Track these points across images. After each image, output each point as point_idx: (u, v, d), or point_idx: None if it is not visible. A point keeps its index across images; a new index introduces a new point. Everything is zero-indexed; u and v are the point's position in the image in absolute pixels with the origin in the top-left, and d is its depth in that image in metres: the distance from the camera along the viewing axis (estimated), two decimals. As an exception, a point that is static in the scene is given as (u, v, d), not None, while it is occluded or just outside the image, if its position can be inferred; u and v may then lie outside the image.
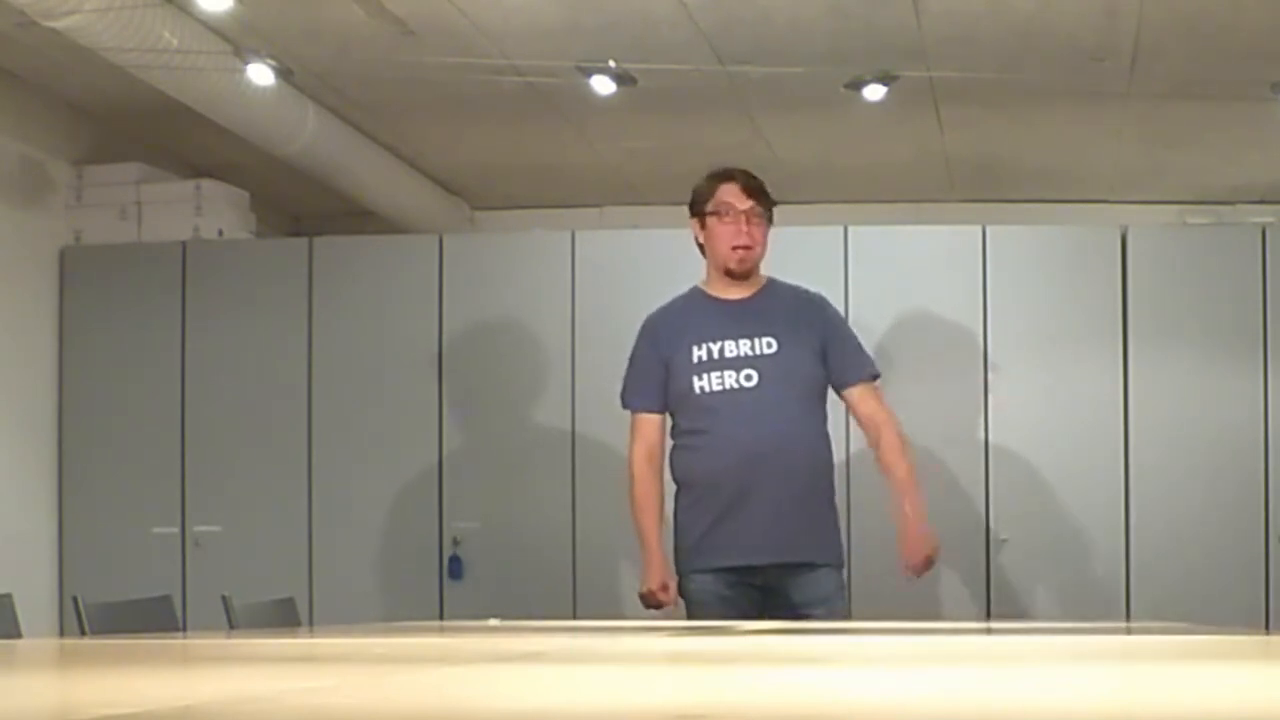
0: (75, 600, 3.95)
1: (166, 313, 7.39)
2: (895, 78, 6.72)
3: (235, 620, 4.40)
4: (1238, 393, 6.94)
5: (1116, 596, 6.93)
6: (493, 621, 4.90)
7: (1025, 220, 7.97)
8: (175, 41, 5.99)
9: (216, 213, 7.59)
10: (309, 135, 7.16)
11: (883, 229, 7.48)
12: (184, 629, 4.96)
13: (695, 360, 5.10)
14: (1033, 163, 8.16)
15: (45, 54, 6.47)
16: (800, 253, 7.33)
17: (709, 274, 5.30)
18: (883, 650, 3.26)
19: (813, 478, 5.17)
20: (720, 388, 5.04)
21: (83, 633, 3.88)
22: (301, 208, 8.79)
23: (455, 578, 7.25)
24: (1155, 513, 6.99)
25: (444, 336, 7.35)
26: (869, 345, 7.20)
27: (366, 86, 7.05)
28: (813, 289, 5.41)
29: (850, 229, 7.32)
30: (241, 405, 7.36)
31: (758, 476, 5.05)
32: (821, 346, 5.20)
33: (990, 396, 7.12)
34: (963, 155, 8.01)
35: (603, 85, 6.72)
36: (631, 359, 5.34)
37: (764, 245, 5.14)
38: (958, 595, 6.95)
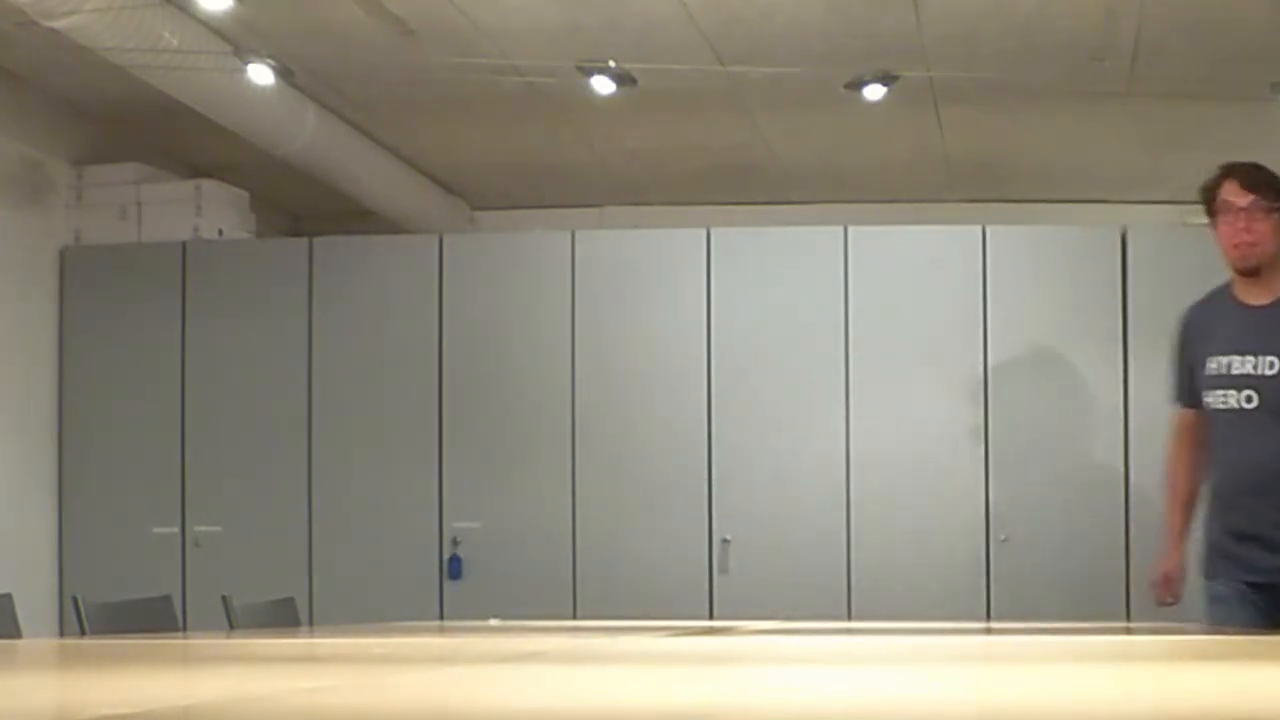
0: (75, 600, 3.95)
1: (166, 313, 7.39)
2: (895, 78, 6.72)
3: (235, 620, 4.40)
4: (1238, 393, 6.93)
5: (1116, 596, 6.93)
6: (493, 621, 4.90)
7: (1025, 220, 7.97)
8: (175, 41, 5.99)
9: (216, 213, 7.59)
10: (309, 135, 7.16)
11: (883, 229, 7.48)
12: (184, 629, 4.96)
13: (1209, 373, 4.84)
14: (1033, 163, 8.16)
15: (45, 54, 6.47)
16: (800, 253, 7.35)
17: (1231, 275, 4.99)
18: (883, 650, 3.26)
19: None
20: (1223, 406, 4.78)
21: (83, 633, 3.88)
22: (301, 208, 8.79)
23: (455, 578, 7.25)
24: (1155, 512, 6.98)
25: (444, 336, 7.35)
26: (868, 345, 7.23)
27: (366, 86, 7.05)
28: None
29: (850, 229, 7.32)
30: (241, 405, 7.36)
31: (1252, 505, 4.72)
32: None
33: (990, 396, 7.12)
34: (962, 155, 8.00)
35: (603, 85, 6.72)
36: (1171, 352, 5.09)
37: (1273, 240, 4.81)
38: (958, 595, 6.95)
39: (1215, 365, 4.77)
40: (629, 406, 7.27)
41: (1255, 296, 4.83)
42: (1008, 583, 7.03)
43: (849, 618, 6.93)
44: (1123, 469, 6.99)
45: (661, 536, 7.20)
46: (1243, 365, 4.70)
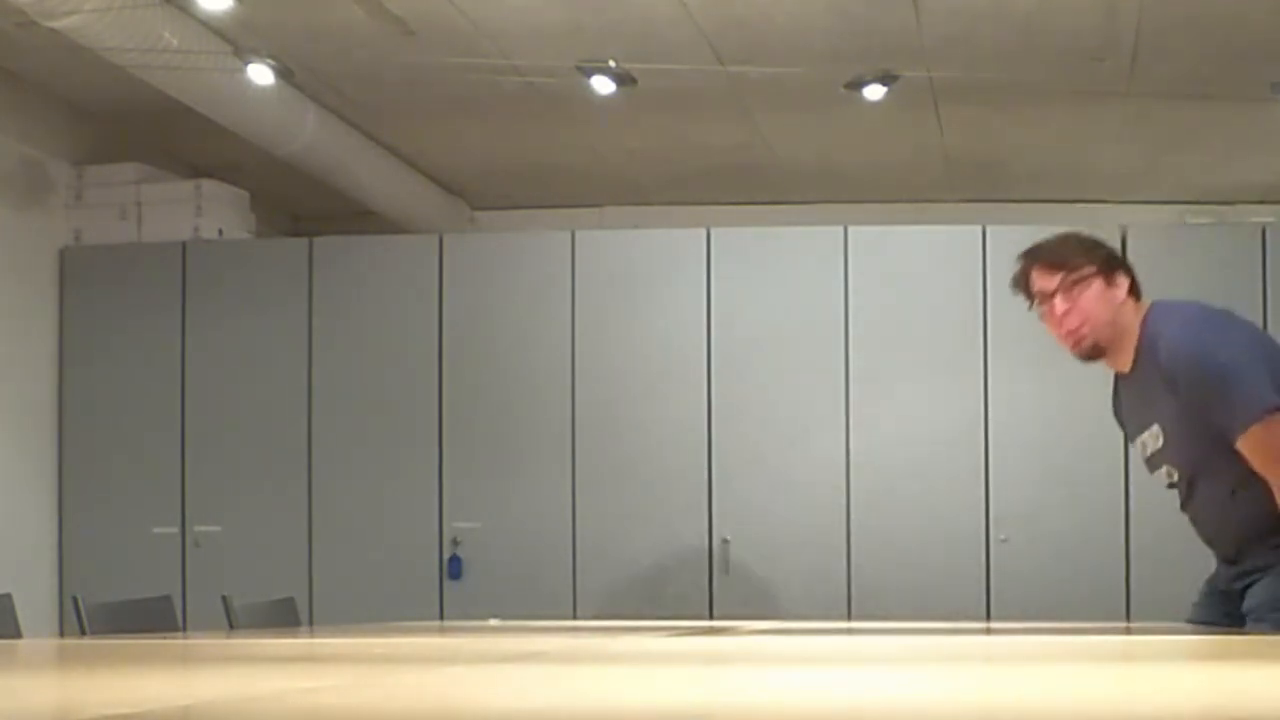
0: (75, 600, 3.95)
1: (166, 313, 7.40)
2: (895, 78, 6.72)
3: (235, 620, 4.40)
4: (1238, 393, 6.92)
5: (1117, 596, 6.93)
6: (493, 621, 4.90)
7: (1025, 220, 7.95)
8: (175, 41, 5.99)
9: (216, 213, 7.59)
10: (309, 135, 7.15)
11: (883, 229, 7.48)
12: (184, 629, 4.96)
13: (1141, 454, 4.28)
14: (1033, 163, 8.16)
15: (45, 54, 6.47)
16: (800, 253, 7.35)
17: None
18: (883, 650, 3.26)
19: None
20: (1170, 481, 4.19)
21: (83, 633, 3.88)
22: (301, 208, 8.78)
23: (455, 578, 7.25)
24: (1155, 512, 6.98)
25: (444, 336, 7.35)
26: (868, 345, 7.23)
27: (366, 86, 7.05)
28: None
29: (850, 229, 7.32)
30: (241, 405, 7.36)
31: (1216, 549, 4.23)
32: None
33: (990, 396, 7.12)
34: (962, 155, 8.00)
35: (603, 85, 6.72)
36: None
37: (1102, 309, 4.09)
38: (958, 595, 6.95)
39: (1137, 448, 4.20)
40: (629, 406, 7.27)
41: (1119, 365, 4.18)
42: (1008, 583, 7.03)
43: (849, 618, 6.93)
44: (1123, 469, 6.99)
45: (661, 536, 7.20)
46: (1151, 443, 4.10)
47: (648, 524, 7.21)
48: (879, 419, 7.16)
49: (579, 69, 6.62)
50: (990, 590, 7.05)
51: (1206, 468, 3.99)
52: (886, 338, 7.19)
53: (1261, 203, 8.42)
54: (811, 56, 6.53)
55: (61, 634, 6.60)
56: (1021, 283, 4.18)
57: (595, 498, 7.24)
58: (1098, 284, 4.07)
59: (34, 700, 2.01)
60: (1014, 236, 7.34)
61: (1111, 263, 4.11)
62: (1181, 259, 7.18)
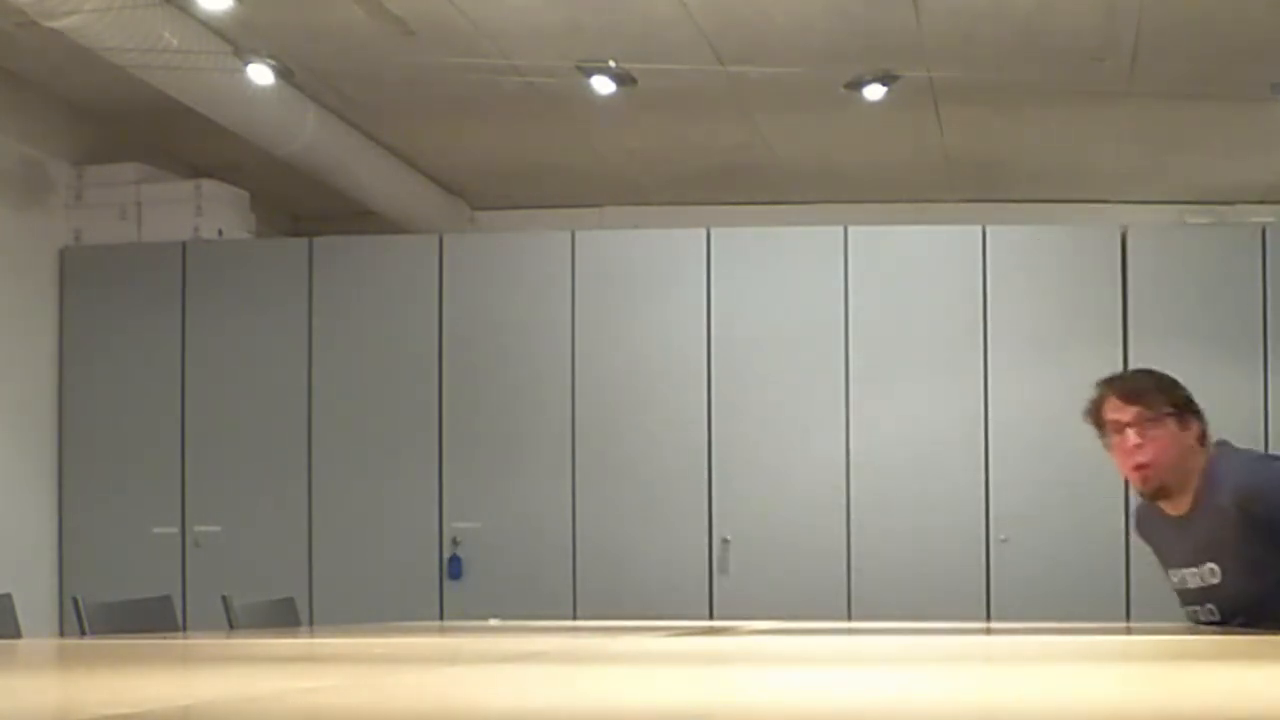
0: (75, 600, 3.95)
1: (166, 313, 7.40)
2: (895, 78, 6.72)
3: (235, 620, 4.40)
4: (1238, 391, 6.93)
5: (1117, 596, 6.93)
6: (493, 621, 4.90)
7: (1025, 220, 7.97)
8: (175, 41, 5.99)
9: (216, 213, 7.59)
10: (309, 135, 7.15)
11: (883, 229, 7.48)
12: (184, 629, 4.96)
13: (1175, 587, 4.27)
14: (1033, 163, 8.16)
15: (45, 54, 6.47)
16: (800, 253, 7.35)
17: None
18: (883, 650, 3.26)
19: None
20: (1208, 619, 4.16)
21: (83, 633, 3.88)
22: (301, 208, 8.78)
23: (455, 578, 7.25)
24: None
25: (444, 336, 7.35)
26: (868, 345, 7.23)
27: (366, 86, 7.05)
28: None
29: (850, 229, 7.32)
30: (241, 405, 7.36)
31: None
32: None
33: (990, 396, 7.12)
34: (962, 155, 8.00)
35: (603, 85, 6.72)
36: None
37: (1173, 450, 4.10)
38: (958, 595, 6.95)
39: (1176, 579, 4.19)
40: (629, 406, 7.27)
41: (1175, 508, 4.17)
42: (1008, 583, 7.03)
43: (849, 618, 6.93)
44: (1123, 469, 6.99)
45: (661, 536, 7.20)
46: (1193, 579, 4.12)
47: (648, 524, 7.21)
48: (879, 419, 7.16)
49: (579, 69, 6.62)
50: (990, 590, 7.05)
51: (1260, 606, 4.01)
52: (886, 338, 7.19)
53: (1261, 203, 8.42)
54: (811, 56, 6.53)
55: (61, 634, 6.60)
56: (1094, 410, 4.17)
57: (595, 498, 7.24)
58: (1171, 424, 4.08)
59: (34, 700, 2.01)
60: (1014, 236, 7.38)
61: (1188, 405, 4.12)
62: (1181, 259, 7.19)
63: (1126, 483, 6.94)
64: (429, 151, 8.10)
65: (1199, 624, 4.11)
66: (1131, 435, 4.06)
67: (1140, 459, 4.07)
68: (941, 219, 7.94)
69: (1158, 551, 4.26)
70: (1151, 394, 4.13)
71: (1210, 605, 4.06)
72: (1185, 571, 4.11)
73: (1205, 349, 6.99)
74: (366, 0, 6.00)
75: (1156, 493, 4.12)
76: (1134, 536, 4.44)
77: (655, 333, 7.30)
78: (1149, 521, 4.28)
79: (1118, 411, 4.11)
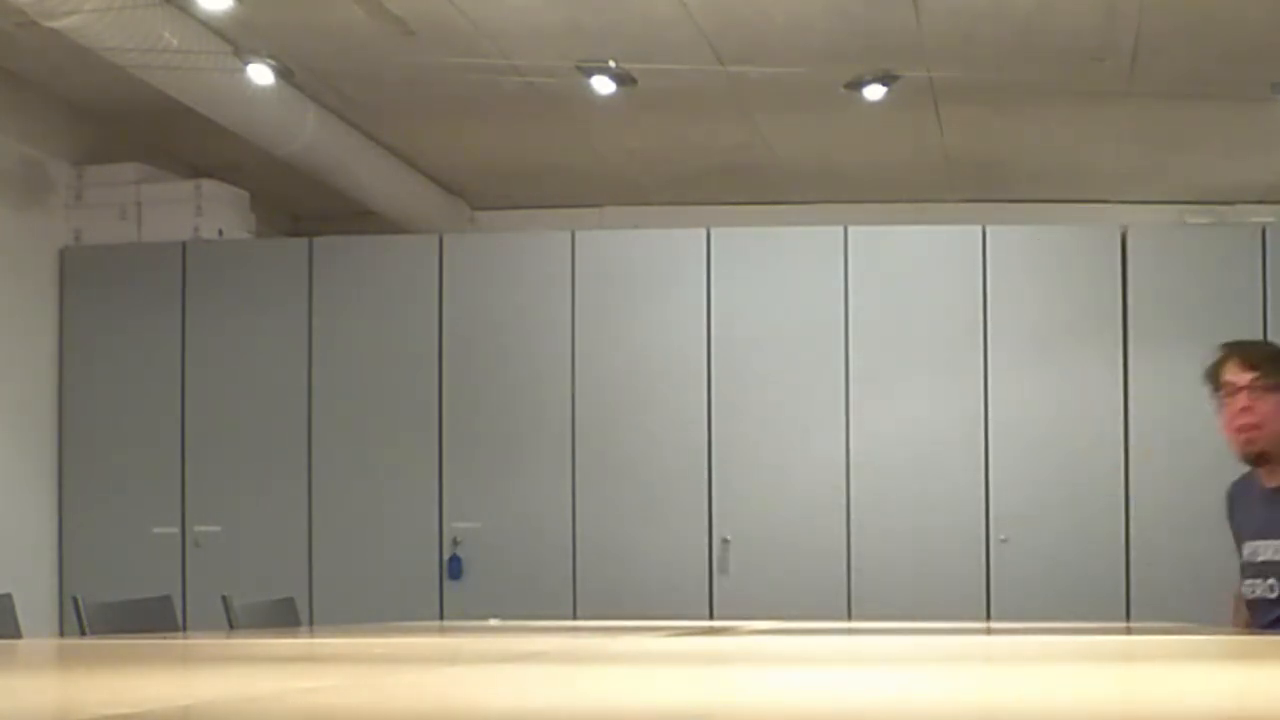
0: (75, 600, 3.95)
1: (166, 313, 7.40)
2: (895, 78, 6.72)
3: (235, 620, 4.40)
4: (1238, 393, 6.92)
5: (1117, 596, 6.93)
6: (493, 621, 4.90)
7: (1025, 220, 7.97)
8: (175, 41, 5.99)
9: (216, 213, 7.59)
10: (309, 135, 7.15)
11: (883, 229, 7.48)
12: (184, 629, 4.96)
13: (1243, 560, 4.42)
14: (1033, 163, 8.16)
15: (45, 54, 6.47)
16: (800, 253, 7.35)
17: None
18: (883, 650, 3.26)
19: None
20: (1251, 595, 4.34)
21: (83, 633, 3.88)
22: (301, 208, 8.78)
23: (455, 578, 7.25)
24: (1155, 512, 6.99)
25: (444, 336, 7.35)
26: (868, 345, 7.23)
27: (366, 86, 7.05)
28: None
29: (850, 229, 7.32)
30: (241, 405, 7.36)
31: None
32: None
33: (990, 397, 7.12)
34: (962, 155, 8.00)
35: (603, 85, 6.72)
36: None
37: (1272, 419, 4.34)
38: (958, 595, 6.95)
39: (1248, 551, 4.34)
40: (629, 406, 7.27)
41: (1271, 479, 4.36)
42: (1008, 583, 7.03)
43: (849, 618, 6.93)
44: (1123, 469, 6.99)
45: (661, 536, 7.20)
46: (1266, 551, 4.27)
47: (648, 524, 7.21)
48: (879, 419, 7.16)
49: (579, 69, 6.62)
50: (990, 590, 7.05)
51: None
52: (886, 337, 7.19)
53: (1261, 203, 8.42)
54: (811, 56, 6.53)
55: (61, 634, 6.60)
56: (1214, 370, 4.43)
57: (595, 498, 7.24)
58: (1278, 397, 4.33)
59: (34, 700, 2.01)
60: (1014, 236, 7.38)
61: None
62: (1181, 259, 7.19)
63: (1127, 482, 6.98)
64: (429, 151, 8.10)
65: (1247, 600, 4.28)
66: (1243, 398, 4.31)
67: (1247, 419, 4.30)
68: (941, 219, 7.94)
69: (1238, 523, 4.43)
70: (1270, 364, 4.40)
71: (1272, 580, 4.22)
72: (1260, 543, 4.27)
73: (1205, 349, 6.97)
74: (366, 0, 6.00)
75: (1257, 457, 4.33)
76: (1224, 509, 4.57)
77: (655, 333, 7.30)
78: (1241, 491, 4.47)
79: (1235, 375, 4.37)
